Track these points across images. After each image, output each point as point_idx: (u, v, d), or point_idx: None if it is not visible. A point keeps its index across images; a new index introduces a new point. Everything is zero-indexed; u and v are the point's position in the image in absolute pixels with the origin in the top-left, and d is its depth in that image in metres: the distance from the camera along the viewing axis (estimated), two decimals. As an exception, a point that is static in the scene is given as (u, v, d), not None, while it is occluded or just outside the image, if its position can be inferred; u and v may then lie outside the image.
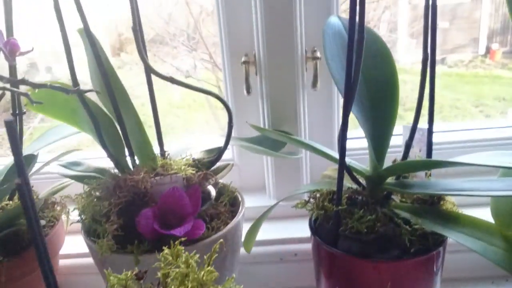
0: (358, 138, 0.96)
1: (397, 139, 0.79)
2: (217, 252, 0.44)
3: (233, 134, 0.76)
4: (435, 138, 0.71)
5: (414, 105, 0.71)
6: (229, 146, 0.88)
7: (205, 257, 0.44)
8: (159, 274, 0.43)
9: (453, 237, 0.60)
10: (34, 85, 0.58)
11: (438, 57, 0.67)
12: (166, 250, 0.44)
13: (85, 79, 0.76)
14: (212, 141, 0.79)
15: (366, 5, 0.56)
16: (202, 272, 0.41)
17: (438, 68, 0.64)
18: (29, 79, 0.57)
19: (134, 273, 0.42)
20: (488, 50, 3.71)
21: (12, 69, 0.69)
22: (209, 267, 0.42)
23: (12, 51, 0.59)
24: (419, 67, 0.65)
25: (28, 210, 0.33)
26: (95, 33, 0.67)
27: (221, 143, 0.76)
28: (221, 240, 0.49)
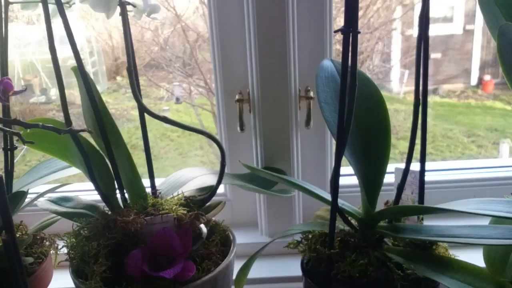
0: (350, 175, 0.96)
1: (388, 177, 0.79)
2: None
3: (226, 170, 0.76)
4: (428, 177, 0.71)
5: (406, 133, 0.71)
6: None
7: (206, 278, 0.43)
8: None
9: (445, 283, 0.60)
10: (26, 125, 0.58)
11: (430, 87, 0.68)
12: None
13: (78, 100, 0.76)
14: (204, 176, 0.78)
15: (360, 36, 0.57)
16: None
17: (430, 98, 0.65)
18: (24, 101, 0.57)
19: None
20: (480, 81, 3.76)
21: (6, 109, 0.69)
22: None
23: (5, 91, 0.59)
24: (411, 97, 0.66)
25: (14, 267, 0.32)
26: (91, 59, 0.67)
27: (213, 181, 0.76)
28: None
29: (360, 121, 0.68)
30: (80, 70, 0.66)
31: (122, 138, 0.68)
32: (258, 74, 0.82)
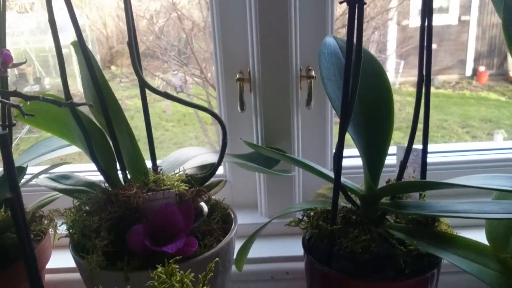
0: (351, 157, 0.96)
1: (390, 159, 0.79)
2: (212, 272, 0.43)
3: (226, 151, 0.75)
4: (428, 159, 0.71)
5: (401, 124, 0.71)
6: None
7: (200, 276, 0.42)
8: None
9: (448, 259, 0.60)
10: (27, 97, 0.57)
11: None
12: (159, 269, 0.43)
13: (73, 91, 0.75)
14: (205, 155, 0.78)
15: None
16: (198, 292, 0.40)
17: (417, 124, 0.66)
18: (18, 89, 0.56)
19: (127, 292, 0.41)
20: (474, 72, 3.77)
21: (4, 80, 0.67)
22: (204, 287, 0.41)
23: (4, 63, 0.58)
24: (406, 87, 0.66)
25: (19, 225, 0.32)
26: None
27: (214, 159, 0.75)
28: (217, 259, 0.48)
29: (363, 97, 0.68)
30: (80, 43, 0.65)
31: (123, 113, 0.68)
32: (259, 53, 0.81)
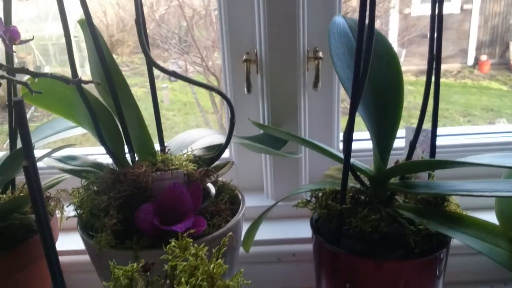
0: (359, 140, 0.96)
1: (398, 142, 0.78)
2: (225, 245, 0.42)
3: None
4: (437, 142, 0.70)
5: (403, 113, 0.71)
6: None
7: (213, 250, 0.42)
8: (166, 266, 0.42)
9: (458, 238, 0.60)
10: (35, 74, 0.57)
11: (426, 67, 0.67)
12: (173, 243, 0.43)
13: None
14: (212, 136, 0.77)
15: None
16: (212, 265, 0.40)
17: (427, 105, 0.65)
18: (18, 78, 0.56)
19: (140, 264, 0.41)
20: (476, 62, 3.75)
21: (10, 57, 0.67)
22: (219, 260, 0.40)
23: (12, 39, 0.58)
24: (408, 76, 0.65)
25: (34, 193, 0.31)
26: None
27: (221, 140, 0.75)
28: (230, 233, 0.48)
29: (373, 77, 0.67)
30: (88, 22, 0.64)
31: (131, 93, 0.67)
32: (266, 33, 0.81)
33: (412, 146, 0.68)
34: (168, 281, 0.41)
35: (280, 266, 0.86)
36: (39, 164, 0.89)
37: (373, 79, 0.68)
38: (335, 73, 0.86)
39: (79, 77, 0.61)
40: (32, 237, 0.71)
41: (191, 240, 0.42)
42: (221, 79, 2.21)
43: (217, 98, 2.57)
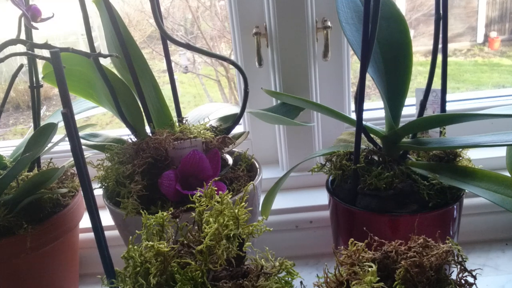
0: (370, 110, 0.97)
1: (408, 110, 0.80)
2: (248, 193, 0.45)
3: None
4: (446, 107, 0.72)
5: (413, 94, 0.73)
6: (241, 121, 0.89)
7: (236, 198, 0.45)
8: (193, 214, 0.44)
9: (471, 190, 0.61)
10: (56, 49, 0.59)
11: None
12: (198, 193, 0.45)
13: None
14: (226, 108, 0.80)
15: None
16: (237, 209, 0.42)
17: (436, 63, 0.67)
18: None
19: (170, 212, 0.43)
20: (486, 39, 3.72)
21: (29, 33, 0.69)
22: (242, 203, 0.43)
23: (34, 16, 0.60)
24: (417, 57, 0.66)
25: (72, 137, 0.34)
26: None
27: (236, 111, 0.77)
28: (253, 182, 0.50)
29: (381, 39, 0.69)
30: (103, -1, 0.67)
31: (148, 66, 0.70)
32: (275, 6, 0.82)
33: (422, 105, 0.69)
34: (196, 227, 0.43)
35: (298, 234, 0.88)
36: (61, 147, 0.92)
37: (382, 41, 0.69)
38: (345, 42, 0.88)
39: (99, 51, 0.63)
40: (61, 211, 0.75)
41: (216, 188, 0.45)
42: (229, 69, 2.23)
43: (226, 88, 2.59)
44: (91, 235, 0.89)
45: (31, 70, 0.73)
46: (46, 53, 0.61)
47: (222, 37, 2.47)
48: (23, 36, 0.69)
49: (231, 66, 2.21)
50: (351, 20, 0.69)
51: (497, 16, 3.54)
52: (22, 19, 0.65)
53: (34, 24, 0.66)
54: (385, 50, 0.69)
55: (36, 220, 0.72)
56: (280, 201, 0.87)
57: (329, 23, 0.84)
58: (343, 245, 0.73)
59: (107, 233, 0.73)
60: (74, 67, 0.76)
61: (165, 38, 0.70)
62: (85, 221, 0.86)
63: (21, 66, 0.74)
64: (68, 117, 0.33)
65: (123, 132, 0.94)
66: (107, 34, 0.72)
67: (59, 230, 0.75)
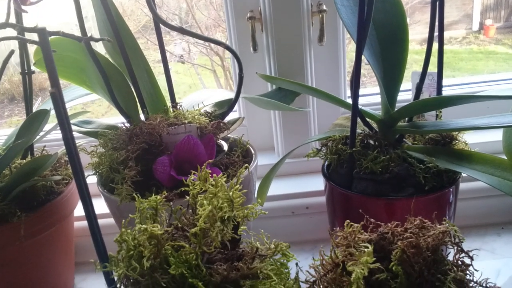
0: (365, 96, 0.97)
1: (404, 95, 0.79)
2: (243, 176, 0.44)
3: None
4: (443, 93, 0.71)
5: (410, 82, 0.72)
6: (236, 108, 0.89)
7: (231, 181, 0.44)
8: (188, 197, 0.44)
9: (467, 173, 0.61)
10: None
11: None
12: (192, 176, 0.45)
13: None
14: (220, 94, 0.79)
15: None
16: (231, 191, 0.42)
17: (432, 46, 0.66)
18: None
19: (163, 196, 0.43)
20: (481, 26, 3.71)
21: (19, 17, 0.68)
22: (237, 186, 0.42)
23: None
24: (412, 45, 0.65)
25: (61, 116, 0.33)
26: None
27: (231, 96, 0.76)
28: (247, 165, 0.49)
29: (377, 22, 0.68)
30: (94, -18, 0.66)
31: (141, 51, 0.69)
32: (270, -10, 0.81)
33: (418, 88, 0.69)
34: (190, 210, 0.43)
35: (294, 220, 0.88)
36: (53, 135, 0.91)
37: (378, 23, 0.68)
38: (340, 26, 0.87)
39: (90, 34, 0.62)
40: (55, 198, 0.74)
41: (210, 171, 0.44)
42: (224, 58, 2.21)
43: (222, 78, 2.57)
44: (84, 223, 0.89)
45: (22, 56, 0.72)
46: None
47: (217, 26, 2.45)
48: (12, 21, 0.67)
49: (226, 56, 2.19)
50: (346, 2, 0.68)
51: (492, 4, 3.54)
52: (11, 2, 0.64)
53: (23, 7, 0.65)
54: (381, 33, 0.69)
55: (30, 207, 0.71)
56: (276, 187, 0.87)
57: (324, 7, 0.83)
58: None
59: (101, 221, 0.72)
60: (66, 53, 0.75)
61: (158, 21, 0.69)
62: (80, 210, 0.85)
63: (12, 51, 0.73)
64: (57, 96, 0.32)
65: (118, 121, 0.93)
66: (98, 18, 0.71)
67: (53, 218, 0.75)
